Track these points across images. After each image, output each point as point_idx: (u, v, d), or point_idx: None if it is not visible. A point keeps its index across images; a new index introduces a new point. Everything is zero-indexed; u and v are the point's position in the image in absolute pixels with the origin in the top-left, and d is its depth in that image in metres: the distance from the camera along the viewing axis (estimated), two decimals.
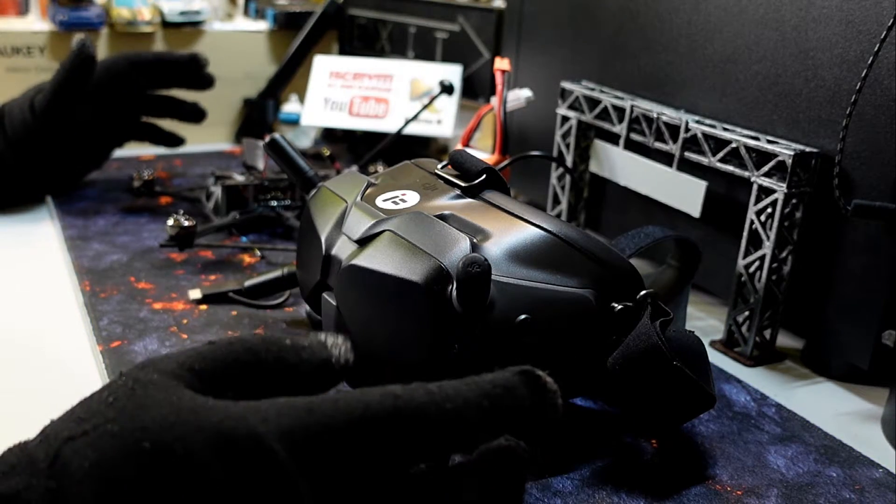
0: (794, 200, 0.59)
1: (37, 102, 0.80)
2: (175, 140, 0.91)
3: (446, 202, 0.52)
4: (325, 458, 0.31)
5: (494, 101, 0.76)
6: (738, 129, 0.64)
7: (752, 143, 0.61)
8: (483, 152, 0.77)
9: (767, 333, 0.63)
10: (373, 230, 0.50)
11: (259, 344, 0.35)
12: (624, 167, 0.73)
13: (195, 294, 0.66)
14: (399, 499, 0.33)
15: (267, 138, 0.61)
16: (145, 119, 0.89)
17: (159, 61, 0.85)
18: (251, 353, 0.35)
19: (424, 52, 1.04)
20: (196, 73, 0.86)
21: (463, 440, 0.33)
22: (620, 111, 0.72)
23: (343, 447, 0.31)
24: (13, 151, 0.80)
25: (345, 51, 1.12)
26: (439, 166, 0.56)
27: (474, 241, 0.47)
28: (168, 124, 0.91)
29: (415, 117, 0.92)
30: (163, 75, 0.86)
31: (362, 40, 1.11)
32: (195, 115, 0.90)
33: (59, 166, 0.84)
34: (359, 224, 0.51)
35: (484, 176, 0.53)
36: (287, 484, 0.30)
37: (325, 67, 1.01)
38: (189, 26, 1.04)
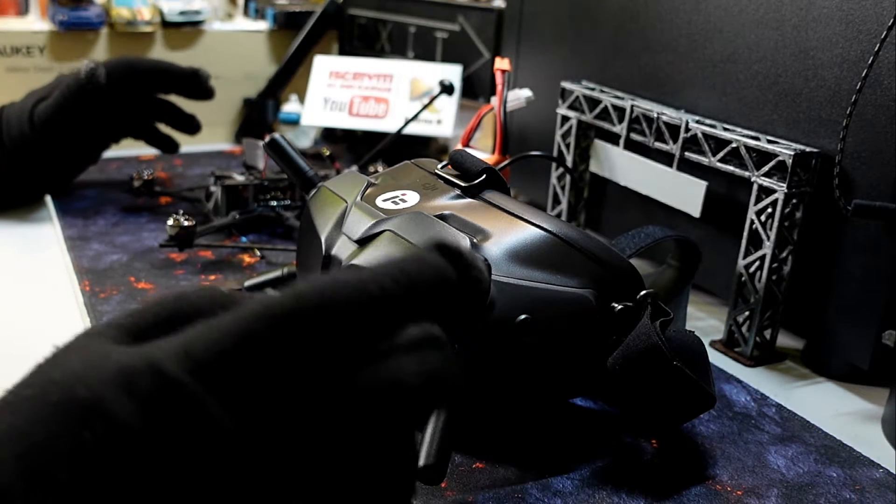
0: (794, 200, 0.59)
1: (36, 115, 0.79)
2: (170, 145, 0.90)
3: (446, 202, 0.52)
4: (232, 373, 0.28)
5: (494, 101, 0.76)
6: (738, 129, 0.64)
7: (752, 143, 0.61)
8: (483, 152, 0.77)
9: (767, 333, 0.63)
10: (373, 230, 0.50)
11: (196, 291, 0.33)
12: (624, 167, 0.73)
13: None
14: (329, 403, 0.29)
15: (267, 138, 0.61)
16: (143, 121, 0.89)
17: (160, 71, 0.85)
18: (186, 300, 0.32)
19: (424, 52, 1.04)
20: (196, 86, 0.86)
21: (381, 327, 0.30)
22: (620, 111, 0.72)
23: (248, 357, 0.28)
24: (8, 158, 0.79)
25: (345, 51, 1.12)
26: (439, 166, 0.56)
27: (474, 241, 0.47)
28: (165, 128, 0.91)
29: (415, 117, 0.92)
30: (162, 84, 0.86)
31: (362, 40, 1.11)
32: (190, 127, 0.90)
33: (55, 170, 0.84)
34: (359, 224, 0.51)
35: (484, 176, 0.53)
36: (196, 408, 0.27)
37: (325, 67, 1.01)
38: (189, 26, 1.04)
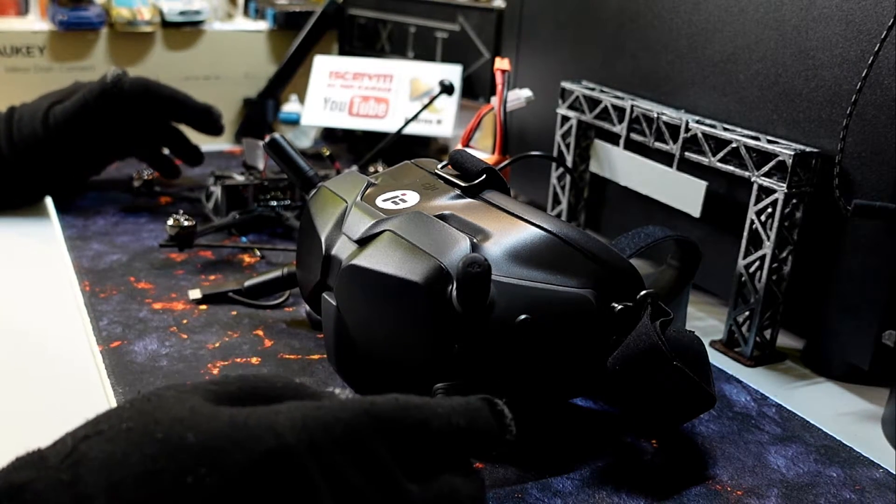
0: (794, 200, 0.59)
1: (52, 117, 0.79)
2: (172, 171, 0.89)
3: (446, 202, 0.52)
4: (338, 452, 0.32)
5: (494, 101, 0.76)
6: (738, 129, 0.64)
7: (752, 143, 0.61)
8: (483, 152, 0.77)
9: (767, 333, 0.63)
10: (373, 230, 0.50)
11: (271, 378, 0.37)
12: (624, 167, 0.73)
13: (195, 294, 0.66)
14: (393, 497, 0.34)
15: (267, 138, 0.61)
16: (151, 142, 0.88)
17: (176, 100, 0.85)
18: (262, 381, 0.36)
19: (424, 52, 1.04)
20: (207, 121, 0.86)
21: (444, 448, 0.36)
22: (620, 111, 0.72)
23: (350, 439, 0.32)
24: (15, 156, 0.79)
25: (345, 51, 1.12)
26: (439, 166, 0.56)
27: (474, 241, 0.47)
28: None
29: (415, 117, 0.92)
30: (176, 113, 0.86)
31: (362, 40, 1.11)
32: (193, 158, 0.89)
33: (60, 173, 0.83)
34: (359, 224, 0.51)
35: (484, 176, 0.53)
36: (304, 475, 0.31)
37: (325, 67, 1.01)
38: (189, 26, 1.04)
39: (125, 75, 0.80)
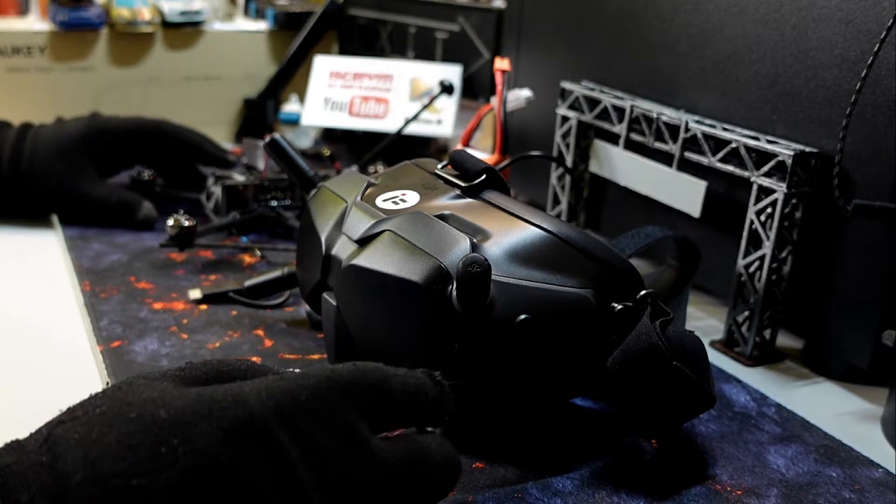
0: (794, 200, 0.59)
1: (60, 170, 0.78)
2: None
3: (446, 202, 0.52)
4: (302, 417, 0.33)
5: (494, 101, 0.76)
6: (738, 129, 0.64)
7: (752, 143, 0.61)
8: (483, 152, 0.77)
9: (767, 333, 0.63)
10: (373, 230, 0.50)
11: (234, 360, 0.39)
12: (624, 167, 0.73)
13: (195, 294, 0.66)
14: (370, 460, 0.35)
15: (267, 138, 0.61)
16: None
17: (190, 145, 0.85)
18: (226, 365, 0.38)
19: (424, 52, 1.04)
20: (221, 164, 0.87)
21: (405, 409, 0.38)
22: (620, 111, 0.72)
23: (316, 403, 0.34)
24: (18, 179, 0.78)
25: (345, 51, 1.12)
26: (439, 166, 0.56)
27: (474, 241, 0.47)
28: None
29: (415, 117, 0.92)
30: (194, 156, 0.86)
31: (362, 40, 1.11)
32: (196, 186, 0.89)
33: (63, 196, 0.81)
34: (359, 224, 0.51)
35: (484, 176, 0.53)
36: (273, 439, 0.32)
37: (325, 67, 1.01)
38: (189, 26, 1.04)
39: (153, 211, 0.80)
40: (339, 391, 0.35)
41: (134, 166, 0.86)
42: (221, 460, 0.31)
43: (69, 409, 0.33)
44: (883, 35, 0.53)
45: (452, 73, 0.97)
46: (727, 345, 0.65)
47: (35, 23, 1.01)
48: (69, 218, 0.80)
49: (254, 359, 0.57)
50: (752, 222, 0.61)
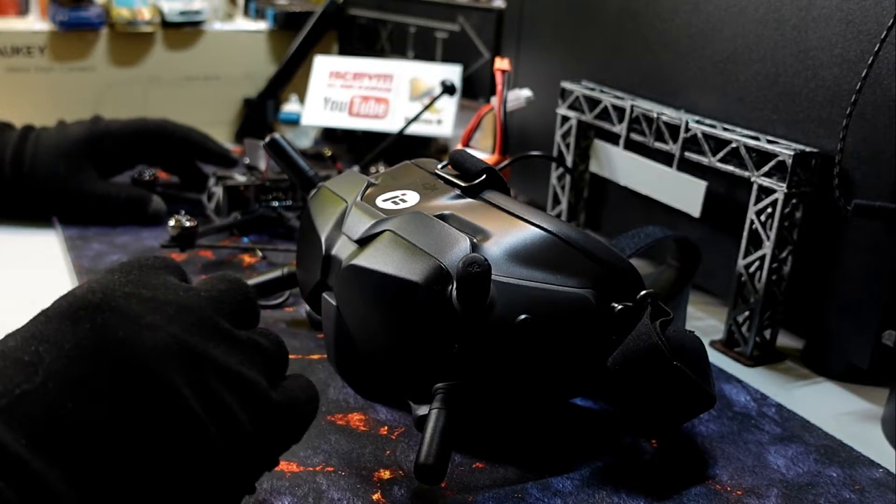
0: (794, 200, 0.59)
1: (62, 172, 0.78)
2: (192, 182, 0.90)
3: (446, 202, 0.52)
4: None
5: (494, 101, 0.76)
6: (738, 129, 0.64)
7: (752, 143, 0.61)
8: (483, 152, 0.77)
9: (767, 333, 0.63)
10: (373, 230, 0.50)
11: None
12: (624, 167, 0.73)
13: None
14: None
15: (267, 138, 0.61)
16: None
17: (192, 144, 0.86)
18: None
19: (424, 52, 1.04)
20: (220, 158, 0.87)
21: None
22: (620, 111, 0.72)
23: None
24: (16, 176, 0.78)
25: (345, 51, 1.12)
26: (439, 166, 0.56)
27: (474, 241, 0.47)
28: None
29: (416, 118, 0.92)
30: (192, 153, 0.87)
31: (362, 40, 1.11)
32: (200, 185, 0.89)
33: (67, 196, 0.81)
34: (359, 224, 0.51)
35: (484, 176, 0.53)
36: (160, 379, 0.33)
37: (325, 67, 1.01)
38: (189, 26, 1.04)
39: (161, 205, 0.81)
40: (144, 262, 0.39)
41: (136, 167, 0.86)
42: (76, 339, 0.32)
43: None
44: (883, 35, 0.53)
45: (452, 73, 0.97)
46: (727, 345, 0.65)
47: (35, 23, 1.01)
48: (75, 218, 0.80)
49: None
50: (752, 222, 0.61)
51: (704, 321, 0.71)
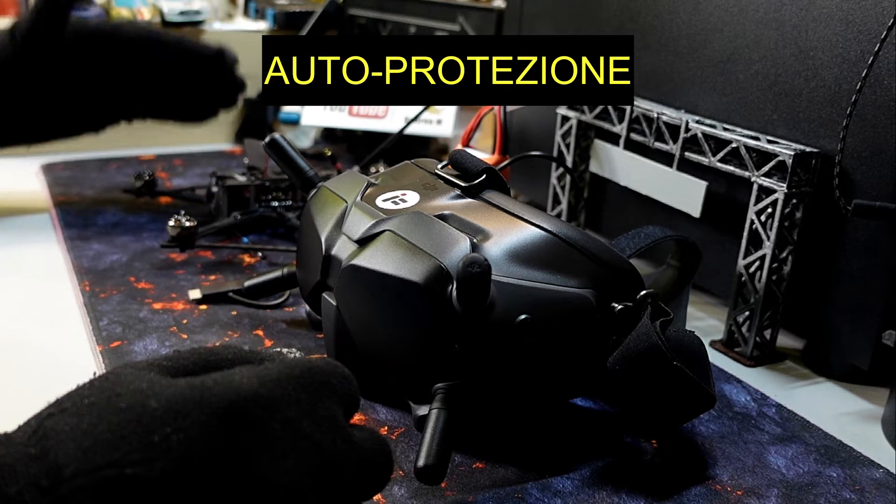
0: (794, 200, 0.59)
1: (18, 29, 0.75)
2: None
3: (446, 202, 0.52)
4: (287, 401, 0.34)
5: None
6: (738, 129, 0.64)
7: (752, 143, 0.61)
8: (483, 152, 0.77)
9: (767, 333, 0.63)
10: (373, 230, 0.50)
11: (219, 348, 0.39)
12: (624, 167, 0.73)
13: (195, 294, 0.66)
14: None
15: (267, 138, 0.61)
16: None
17: (166, 42, 0.80)
18: (212, 353, 0.38)
19: None
20: (219, 71, 0.82)
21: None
22: (620, 111, 0.72)
23: (302, 393, 0.35)
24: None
25: None
26: (439, 166, 0.56)
27: (474, 241, 0.47)
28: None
29: (416, 117, 0.92)
30: (178, 63, 0.81)
31: None
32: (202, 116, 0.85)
33: (42, 110, 0.78)
34: (359, 224, 0.51)
35: (484, 176, 0.53)
36: (260, 424, 0.33)
37: None
38: (189, 26, 1.04)
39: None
40: (321, 381, 0.36)
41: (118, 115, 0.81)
42: (215, 447, 0.31)
43: (57, 400, 0.33)
44: (883, 35, 0.53)
45: None
46: (727, 345, 0.65)
47: None
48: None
49: None
50: (752, 222, 0.61)
51: (704, 321, 0.71)
